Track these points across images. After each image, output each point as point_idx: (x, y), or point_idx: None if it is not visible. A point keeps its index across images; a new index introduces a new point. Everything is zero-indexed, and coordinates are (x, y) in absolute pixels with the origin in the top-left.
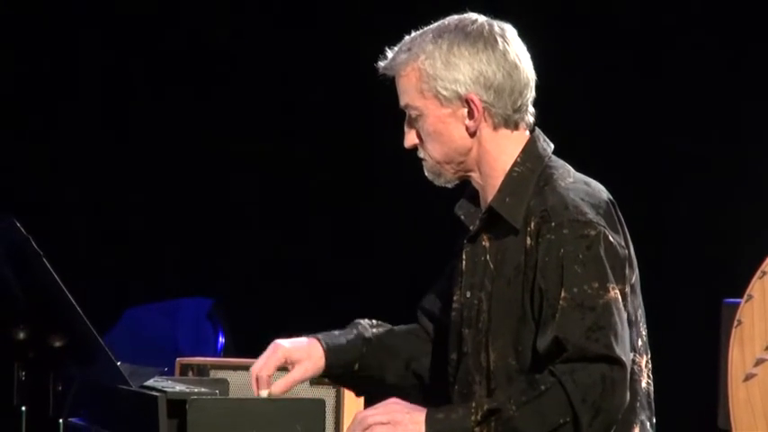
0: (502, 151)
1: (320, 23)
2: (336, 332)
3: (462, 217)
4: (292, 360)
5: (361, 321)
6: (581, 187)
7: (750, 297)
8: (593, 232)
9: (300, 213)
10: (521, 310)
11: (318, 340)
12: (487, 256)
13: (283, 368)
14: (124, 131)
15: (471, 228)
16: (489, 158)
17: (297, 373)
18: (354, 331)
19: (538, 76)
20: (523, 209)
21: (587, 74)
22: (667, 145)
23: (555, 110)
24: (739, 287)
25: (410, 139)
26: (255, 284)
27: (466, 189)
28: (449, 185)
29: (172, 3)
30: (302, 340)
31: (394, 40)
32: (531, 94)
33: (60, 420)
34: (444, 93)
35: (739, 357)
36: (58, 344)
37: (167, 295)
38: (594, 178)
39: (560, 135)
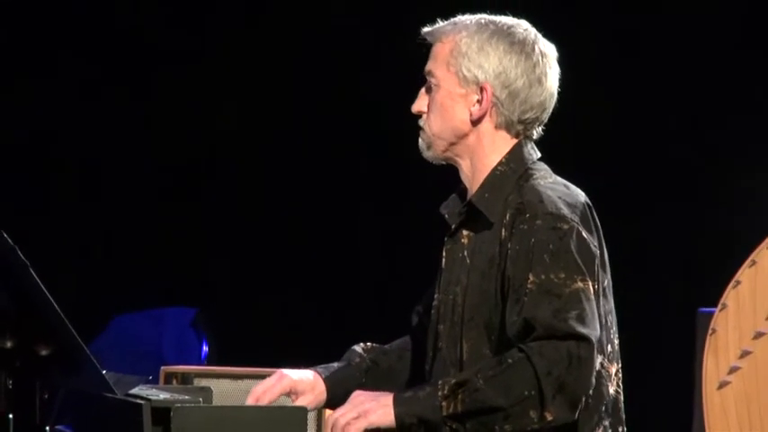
0: (494, 150)
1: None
2: (335, 365)
3: (446, 215)
4: (296, 391)
5: (356, 349)
6: (559, 188)
7: (724, 306)
8: (565, 226)
9: (280, 227)
10: (494, 301)
11: (320, 374)
12: (465, 252)
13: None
14: (113, 143)
15: (452, 226)
16: (481, 153)
17: (299, 404)
18: (353, 363)
19: None
20: (501, 204)
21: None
22: (649, 157)
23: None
24: (714, 297)
25: (419, 104)
26: (238, 294)
27: (456, 189)
28: (434, 161)
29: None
30: (307, 373)
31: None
32: (543, 115)
33: (47, 428)
34: (466, 73)
35: (713, 365)
36: (44, 352)
37: (152, 304)
38: (578, 186)
39: (545, 139)
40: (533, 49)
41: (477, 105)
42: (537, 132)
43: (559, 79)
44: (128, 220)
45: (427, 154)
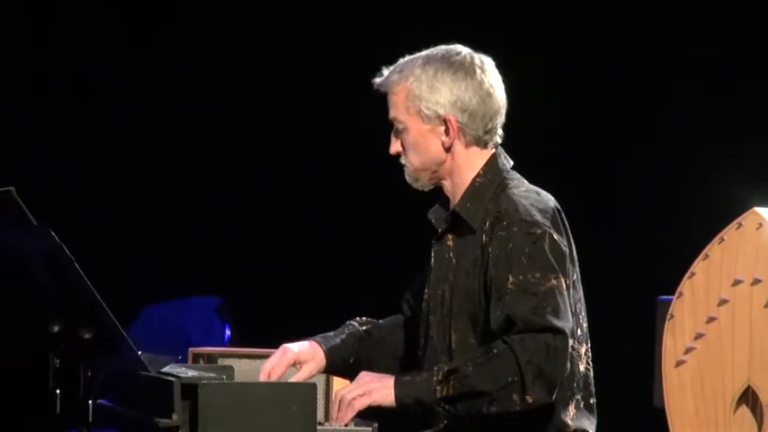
0: (470, 165)
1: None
2: (332, 333)
3: (433, 220)
4: (300, 361)
5: (353, 322)
6: (532, 195)
7: (681, 294)
8: (539, 231)
9: (292, 224)
10: (477, 297)
11: (318, 343)
12: (451, 253)
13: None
14: (137, 138)
15: (439, 230)
16: (460, 171)
17: (304, 373)
18: (347, 331)
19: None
20: (481, 212)
21: (537, 90)
22: (611, 156)
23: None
24: (672, 286)
25: (395, 147)
26: (257, 284)
27: (439, 197)
28: (424, 189)
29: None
30: (306, 344)
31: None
32: (501, 119)
33: (90, 402)
34: (427, 112)
35: (672, 346)
36: (87, 336)
37: (181, 294)
38: (547, 187)
39: (517, 146)
40: (474, 69)
41: (445, 135)
42: (500, 135)
43: (538, 89)
44: (156, 219)
45: (416, 185)
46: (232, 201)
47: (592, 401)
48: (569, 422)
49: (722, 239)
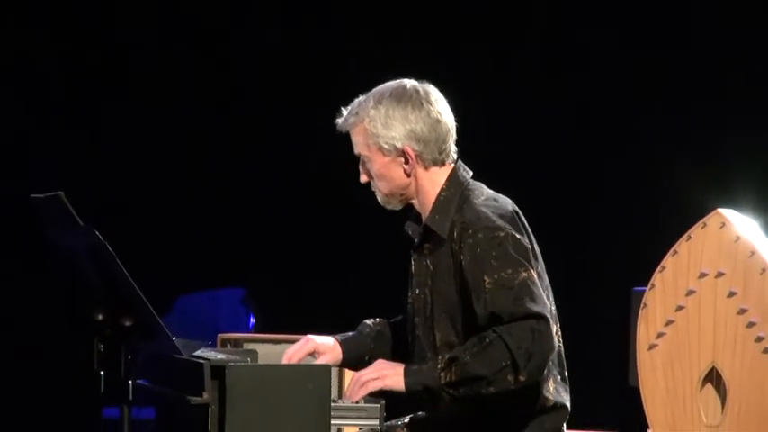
0: (433, 183)
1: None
2: (350, 333)
3: (410, 232)
4: (319, 351)
5: (367, 322)
6: (490, 203)
7: (653, 286)
8: (501, 234)
9: (311, 223)
10: (455, 299)
11: (338, 341)
12: (428, 261)
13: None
14: (168, 143)
15: (416, 240)
16: (424, 190)
17: (321, 362)
18: (363, 332)
19: (476, 113)
20: (449, 223)
21: (518, 104)
22: (591, 158)
23: (495, 132)
24: (645, 278)
25: (363, 177)
26: (278, 277)
27: (412, 211)
28: (397, 209)
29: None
30: (328, 338)
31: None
32: (452, 138)
33: (130, 382)
34: (385, 146)
35: (645, 332)
36: (127, 323)
37: (211, 286)
38: (530, 189)
39: (501, 152)
40: (420, 100)
41: (405, 164)
42: (455, 152)
43: (521, 88)
44: (187, 219)
45: (389, 207)
46: (251, 203)
47: (565, 374)
48: (549, 396)
49: (689, 237)
